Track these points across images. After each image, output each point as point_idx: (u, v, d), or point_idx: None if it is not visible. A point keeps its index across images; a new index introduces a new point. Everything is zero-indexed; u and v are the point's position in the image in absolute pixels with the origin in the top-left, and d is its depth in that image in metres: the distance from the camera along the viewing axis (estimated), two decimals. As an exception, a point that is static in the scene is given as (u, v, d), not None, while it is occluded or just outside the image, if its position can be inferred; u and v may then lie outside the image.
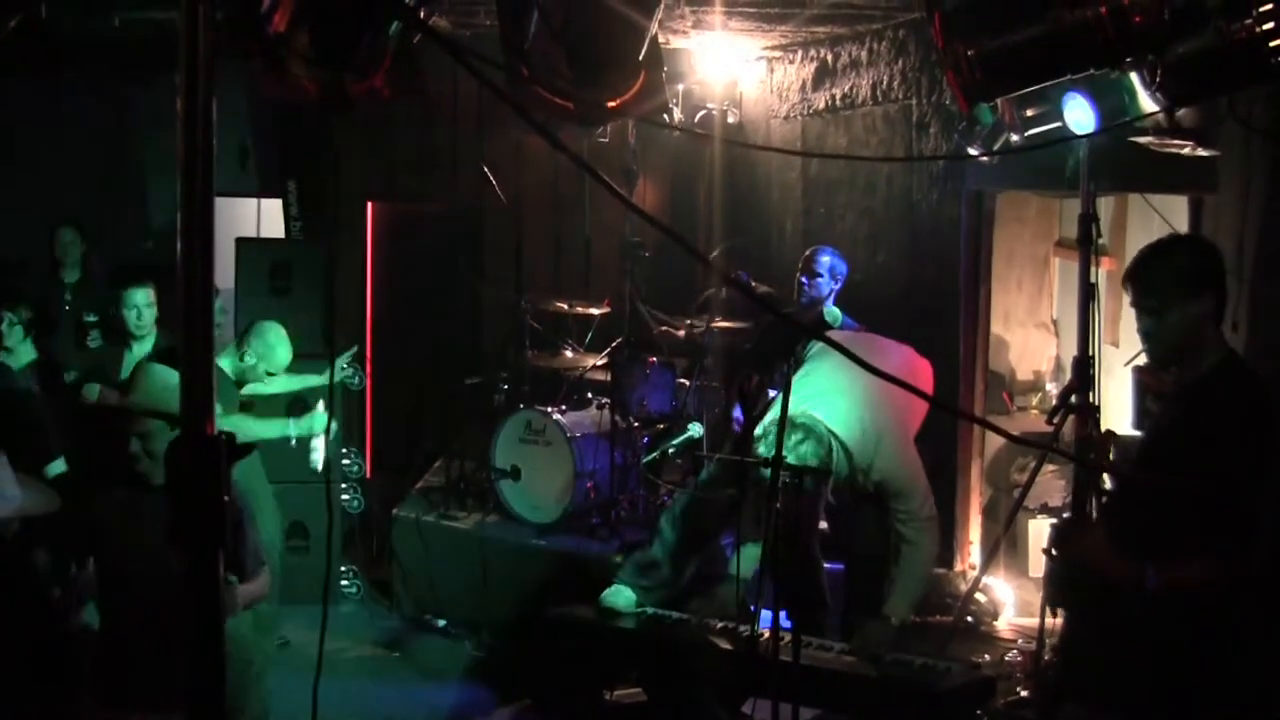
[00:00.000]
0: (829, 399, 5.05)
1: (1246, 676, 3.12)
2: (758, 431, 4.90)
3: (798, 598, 4.49)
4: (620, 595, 5.41)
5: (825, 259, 6.74)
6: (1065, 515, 3.30)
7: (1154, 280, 3.20)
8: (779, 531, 3.96)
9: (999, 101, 5.24)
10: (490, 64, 3.18)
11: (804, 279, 6.70)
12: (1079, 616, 3.33)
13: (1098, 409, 5.17)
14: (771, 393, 5.59)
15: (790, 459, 4.40)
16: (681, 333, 7.84)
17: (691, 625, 4.84)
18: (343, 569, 7.49)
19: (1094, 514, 3.32)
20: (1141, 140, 5.02)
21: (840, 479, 5.04)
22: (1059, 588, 3.40)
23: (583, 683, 5.60)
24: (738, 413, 6.38)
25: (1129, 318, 4.86)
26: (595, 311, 7.70)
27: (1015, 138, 5.40)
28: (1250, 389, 3.14)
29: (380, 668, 5.80)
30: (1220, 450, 3.01)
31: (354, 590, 7.50)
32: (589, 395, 7.44)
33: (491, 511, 7.22)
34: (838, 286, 6.72)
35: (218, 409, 1.77)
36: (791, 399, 4.16)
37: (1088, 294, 5.18)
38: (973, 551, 7.43)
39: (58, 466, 5.76)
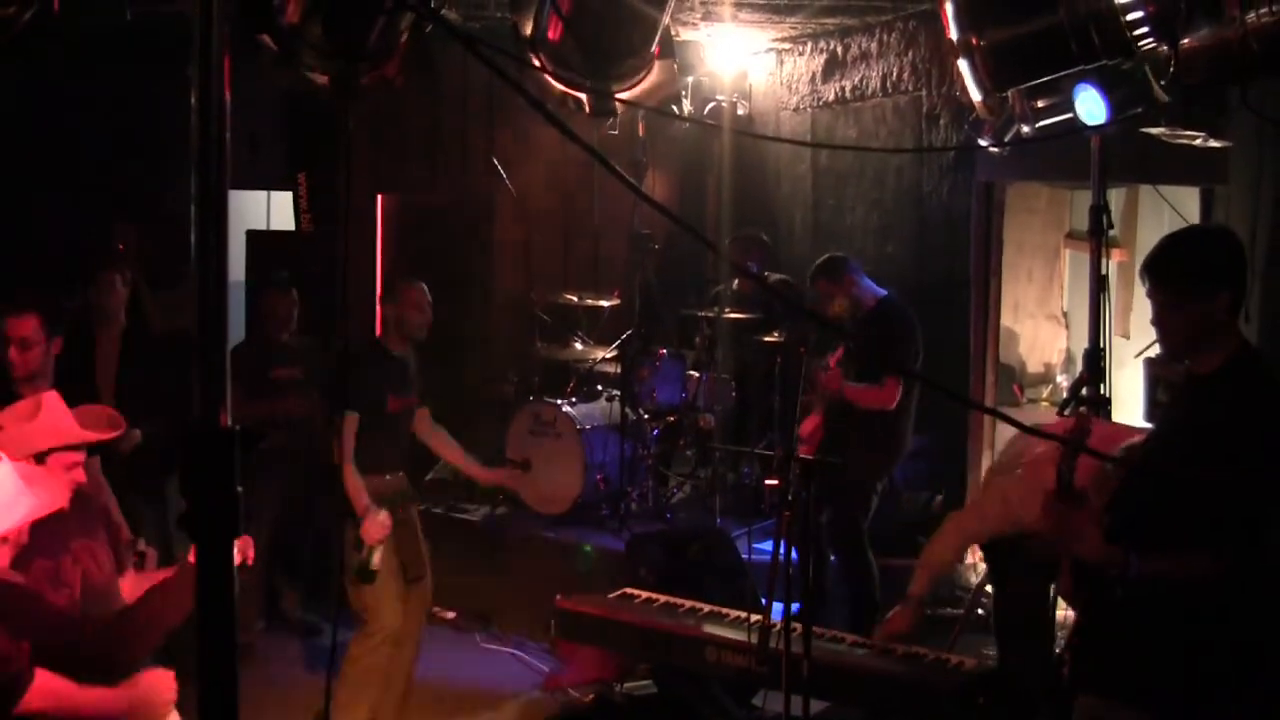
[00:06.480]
0: None
1: (1256, 672, 3.10)
2: None
3: (806, 590, 4.48)
4: None
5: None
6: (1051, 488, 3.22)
7: (1170, 273, 3.12)
8: (792, 523, 3.96)
9: (1009, 92, 5.22)
10: (502, 54, 3.17)
11: None
12: (1088, 609, 3.31)
13: (1109, 401, 5.16)
14: None
15: None
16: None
17: (702, 616, 4.83)
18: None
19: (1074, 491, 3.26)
20: (1153, 131, 5.00)
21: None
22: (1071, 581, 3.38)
23: (592, 674, 5.60)
24: None
25: (1140, 309, 4.81)
26: (605, 304, 7.70)
27: (1026, 129, 5.38)
28: (1261, 386, 3.10)
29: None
30: (1227, 450, 2.97)
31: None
32: (599, 387, 7.43)
33: (501, 503, 7.23)
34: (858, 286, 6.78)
35: None
36: None
37: (1099, 286, 5.15)
38: (983, 544, 7.41)
39: None
